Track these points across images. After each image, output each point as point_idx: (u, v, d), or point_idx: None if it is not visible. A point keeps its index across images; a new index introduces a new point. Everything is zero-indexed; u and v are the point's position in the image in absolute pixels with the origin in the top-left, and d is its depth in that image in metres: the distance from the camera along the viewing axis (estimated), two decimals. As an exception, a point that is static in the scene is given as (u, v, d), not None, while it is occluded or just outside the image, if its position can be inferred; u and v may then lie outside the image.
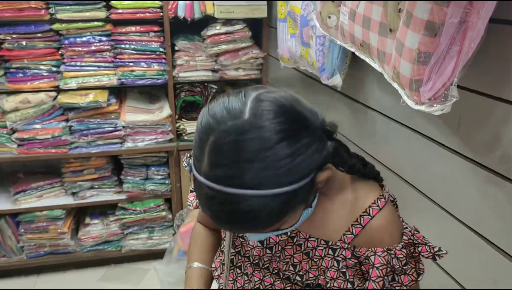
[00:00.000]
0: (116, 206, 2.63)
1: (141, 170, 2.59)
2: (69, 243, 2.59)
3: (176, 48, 2.43)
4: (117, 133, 2.47)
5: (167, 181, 2.62)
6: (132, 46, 2.38)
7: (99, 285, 2.55)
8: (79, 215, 2.69)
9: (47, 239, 2.56)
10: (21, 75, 2.32)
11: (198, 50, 2.45)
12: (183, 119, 2.55)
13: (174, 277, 2.57)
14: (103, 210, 2.67)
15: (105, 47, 2.36)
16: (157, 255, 2.70)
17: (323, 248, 0.83)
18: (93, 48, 2.35)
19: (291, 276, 0.88)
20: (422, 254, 0.80)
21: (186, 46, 2.43)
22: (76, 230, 2.63)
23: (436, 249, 0.80)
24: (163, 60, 2.42)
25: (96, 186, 2.58)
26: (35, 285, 2.54)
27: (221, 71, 2.50)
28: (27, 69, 2.32)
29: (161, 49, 2.40)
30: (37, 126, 2.37)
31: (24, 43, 2.27)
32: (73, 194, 2.57)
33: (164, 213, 2.66)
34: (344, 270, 0.82)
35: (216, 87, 2.53)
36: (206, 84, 2.53)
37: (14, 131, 2.36)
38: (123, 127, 2.47)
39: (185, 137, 2.55)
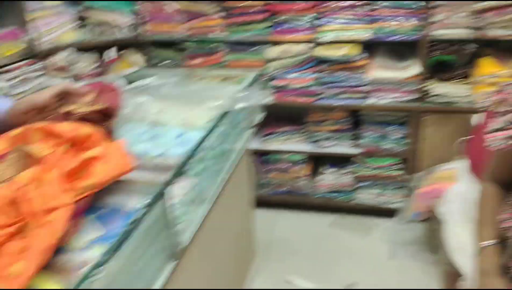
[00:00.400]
0: (350, 159, 2.73)
1: (379, 127, 2.62)
2: (305, 186, 2.81)
3: (434, 3, 2.31)
4: (361, 88, 2.53)
5: (404, 141, 2.59)
6: (388, 1, 2.37)
7: (329, 230, 2.72)
8: (316, 162, 2.87)
9: (286, 179, 2.83)
10: (283, 27, 2.54)
11: (460, 5, 2.28)
12: (432, 80, 2.45)
13: (403, 237, 2.58)
14: (337, 161, 2.80)
15: (360, 2, 2.40)
16: (385, 212, 2.73)
17: None
18: (348, 3, 2.42)
19: None
20: None
21: (447, 1, 2.30)
22: (312, 176, 2.83)
23: None
24: (420, 16, 2.34)
25: (334, 138, 2.71)
26: (275, 218, 2.85)
27: (482, 30, 2.29)
28: (289, 22, 2.53)
29: (418, 4, 2.32)
30: (292, 75, 2.59)
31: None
32: (313, 142, 2.76)
33: (397, 173, 2.65)
34: None
35: (476, 45, 2.35)
36: (462, 43, 2.37)
37: (271, 78, 2.63)
38: (369, 83, 2.51)
39: (430, 99, 2.45)
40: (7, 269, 0.75)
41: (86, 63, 2.56)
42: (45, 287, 0.78)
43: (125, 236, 0.95)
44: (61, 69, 2.44)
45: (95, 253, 0.90)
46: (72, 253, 0.90)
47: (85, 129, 1.12)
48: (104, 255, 0.88)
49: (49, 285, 0.78)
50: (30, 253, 0.78)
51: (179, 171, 1.25)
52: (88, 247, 0.92)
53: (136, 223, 1.00)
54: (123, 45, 2.73)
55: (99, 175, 1.00)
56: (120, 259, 0.92)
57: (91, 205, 1.03)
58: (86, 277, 0.84)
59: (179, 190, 1.27)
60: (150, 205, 1.07)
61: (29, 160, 1.01)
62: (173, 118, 1.47)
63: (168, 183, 1.17)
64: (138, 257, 1.02)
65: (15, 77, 2.19)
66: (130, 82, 1.76)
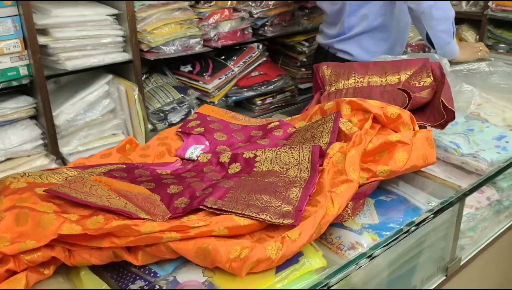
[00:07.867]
0: None
1: None
2: None
3: None
4: None
5: None
6: None
7: None
8: None
9: None
10: None
11: None
12: None
13: None
14: None
15: None
16: None
17: None
18: None
19: None
20: None
21: None
22: None
23: None
24: None
25: None
26: None
27: None
28: None
29: None
30: None
31: None
32: None
33: None
34: None
35: None
36: None
37: None
38: None
39: None
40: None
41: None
42: (312, 258, 0.76)
43: (398, 235, 0.85)
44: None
45: (365, 239, 0.84)
46: (345, 231, 0.86)
47: (393, 109, 1.04)
48: (372, 248, 0.81)
49: (316, 257, 0.76)
50: (308, 221, 0.76)
51: (487, 180, 1.04)
52: (360, 231, 0.86)
53: (416, 225, 0.88)
54: (457, 20, 2.48)
55: (398, 162, 0.91)
56: (388, 256, 0.84)
57: (377, 187, 0.96)
58: (352, 262, 0.79)
59: (477, 201, 1.08)
60: (438, 211, 0.92)
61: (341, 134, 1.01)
62: (496, 116, 1.24)
63: (470, 191, 0.99)
64: (405, 260, 0.91)
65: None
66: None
